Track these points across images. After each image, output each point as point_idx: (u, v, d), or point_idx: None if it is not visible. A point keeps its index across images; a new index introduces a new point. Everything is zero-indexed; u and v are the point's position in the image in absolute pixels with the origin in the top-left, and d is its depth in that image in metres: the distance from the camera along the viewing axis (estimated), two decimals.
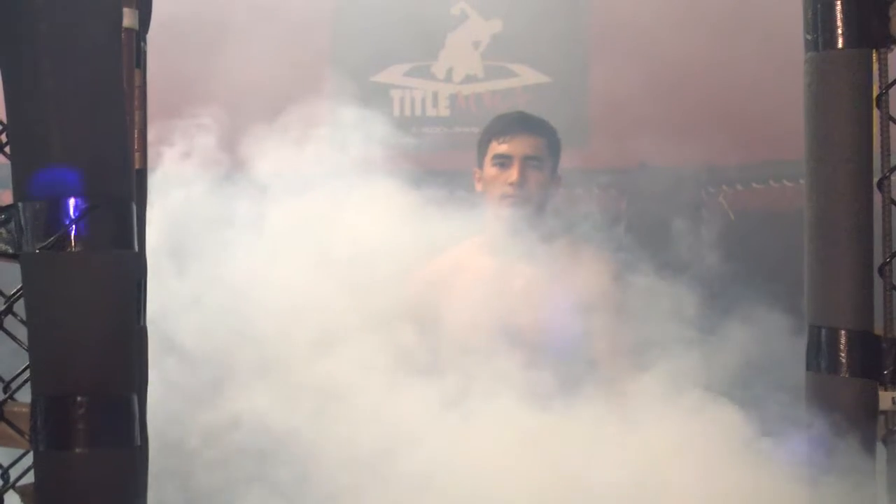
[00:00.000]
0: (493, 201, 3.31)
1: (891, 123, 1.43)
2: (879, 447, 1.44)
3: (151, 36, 1.40)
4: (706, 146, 4.25)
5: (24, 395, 1.29)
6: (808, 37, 1.45)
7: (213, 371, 2.44)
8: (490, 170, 3.33)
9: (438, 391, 2.34)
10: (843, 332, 1.42)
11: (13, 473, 1.31)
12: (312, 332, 2.47)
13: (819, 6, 1.43)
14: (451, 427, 2.21)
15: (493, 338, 3.10)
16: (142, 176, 1.35)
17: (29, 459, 1.28)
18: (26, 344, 1.27)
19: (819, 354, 1.45)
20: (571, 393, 2.41)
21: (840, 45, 1.43)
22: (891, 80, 1.44)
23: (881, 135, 1.43)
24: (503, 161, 3.30)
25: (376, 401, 2.33)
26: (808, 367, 1.46)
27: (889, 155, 1.43)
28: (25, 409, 1.27)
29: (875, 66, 1.43)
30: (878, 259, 1.43)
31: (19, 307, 1.30)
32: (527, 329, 3.18)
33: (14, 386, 1.31)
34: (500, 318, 3.19)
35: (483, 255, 3.42)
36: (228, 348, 2.47)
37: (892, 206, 1.43)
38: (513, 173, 3.28)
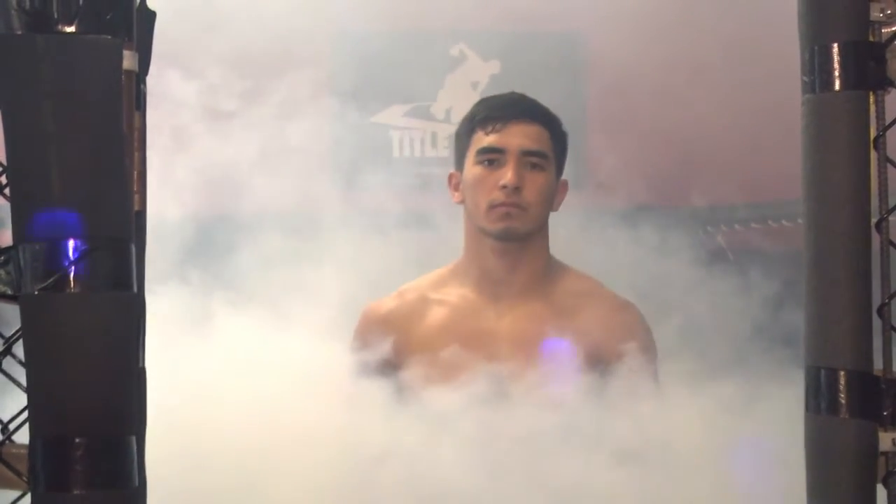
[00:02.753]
0: (476, 214, 2.51)
1: (888, 165, 1.44)
2: (880, 489, 1.43)
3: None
4: (705, 186, 4.27)
5: (23, 437, 1.29)
6: (806, 79, 1.46)
7: None
8: (473, 170, 2.51)
9: None
10: (842, 372, 1.42)
11: None
12: None
13: (816, 48, 1.44)
14: None
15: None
16: (141, 217, 1.35)
17: (27, 501, 1.28)
18: (25, 385, 1.27)
19: (818, 395, 1.45)
20: None
21: (837, 86, 1.43)
22: (888, 121, 1.44)
23: (878, 176, 1.43)
24: (492, 157, 2.50)
25: None
26: (807, 408, 1.46)
27: (887, 196, 1.44)
28: (24, 451, 1.27)
29: (872, 108, 1.44)
30: (876, 300, 1.43)
31: (18, 349, 1.30)
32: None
33: (12, 427, 1.31)
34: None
35: (450, 294, 2.59)
36: None
37: (891, 247, 1.44)
38: (506, 173, 2.46)
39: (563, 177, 2.62)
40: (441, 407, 2.28)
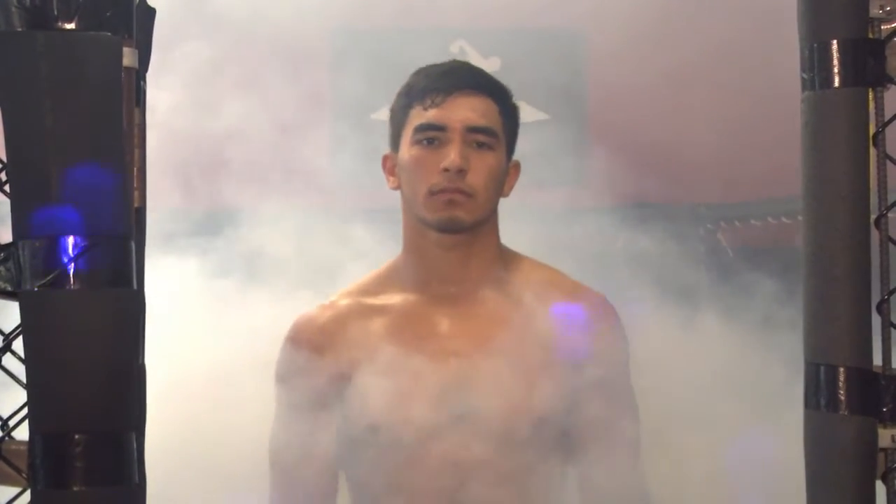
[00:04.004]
0: (415, 202, 2.15)
1: (887, 161, 1.44)
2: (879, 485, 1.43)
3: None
4: (705, 183, 4.27)
5: (23, 434, 1.29)
6: (805, 76, 1.46)
7: None
8: (411, 150, 2.15)
9: None
10: (841, 369, 1.41)
11: None
12: None
13: (815, 45, 1.44)
14: None
15: None
16: (141, 214, 1.35)
17: (26, 498, 1.28)
18: (24, 382, 1.27)
19: (818, 392, 1.44)
20: None
21: (836, 83, 1.43)
22: (887, 118, 1.44)
23: (878, 173, 1.43)
24: (432, 136, 2.13)
25: None
26: (807, 405, 1.46)
27: (886, 193, 1.44)
28: (23, 448, 1.27)
29: (871, 105, 1.43)
30: (875, 296, 1.43)
31: (17, 345, 1.30)
32: None
33: (12, 423, 1.31)
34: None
35: (391, 298, 2.23)
36: None
37: (890, 244, 1.44)
38: (449, 154, 2.10)
39: (515, 159, 2.27)
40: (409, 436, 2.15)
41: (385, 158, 2.25)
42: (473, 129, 2.13)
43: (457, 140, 2.11)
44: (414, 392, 2.14)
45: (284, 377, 2.24)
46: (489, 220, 2.20)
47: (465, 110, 2.13)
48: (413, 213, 2.19)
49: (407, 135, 2.17)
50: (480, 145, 2.13)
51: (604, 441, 2.19)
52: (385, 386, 2.14)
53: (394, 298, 2.24)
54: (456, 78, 2.17)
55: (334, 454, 2.22)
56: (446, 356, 2.16)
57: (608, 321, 2.24)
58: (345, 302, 2.24)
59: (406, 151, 2.17)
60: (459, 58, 3.81)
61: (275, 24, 4.17)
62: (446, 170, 2.10)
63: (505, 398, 2.14)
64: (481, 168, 2.12)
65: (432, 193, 2.12)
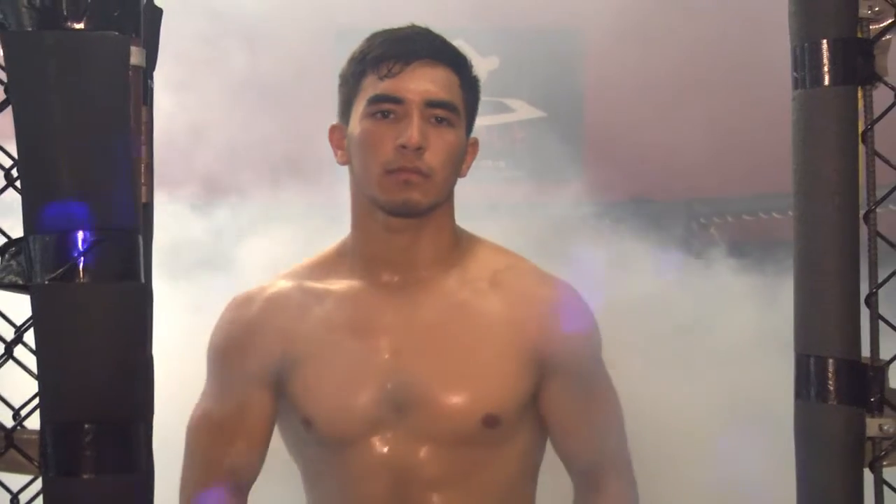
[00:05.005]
0: (367, 180, 1.95)
1: (876, 158, 1.45)
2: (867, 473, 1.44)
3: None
4: (698, 179, 4.28)
5: (34, 423, 1.30)
6: (796, 75, 1.47)
7: None
8: (363, 123, 1.94)
9: None
10: (831, 360, 1.43)
11: (22, 499, 1.32)
12: None
13: (806, 45, 1.45)
14: None
15: None
16: (148, 209, 1.36)
17: (38, 486, 1.29)
18: (36, 372, 1.28)
19: (808, 383, 1.46)
20: None
21: (826, 82, 1.44)
22: (876, 116, 1.45)
23: (867, 169, 1.44)
24: (388, 108, 1.92)
25: None
26: (797, 395, 1.47)
27: (874, 189, 1.45)
28: (35, 437, 1.28)
29: (861, 103, 1.45)
30: (864, 290, 1.44)
31: (28, 337, 1.31)
32: None
33: (24, 413, 1.32)
34: None
35: (335, 284, 2.03)
36: None
37: (878, 239, 1.45)
38: (406, 129, 1.89)
39: (474, 136, 2.06)
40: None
41: (332, 129, 2.03)
42: (433, 104, 1.92)
43: (415, 115, 1.90)
44: (349, 386, 1.96)
45: (217, 352, 2.07)
46: (445, 202, 1.99)
47: (425, 82, 1.92)
48: (363, 192, 1.97)
49: (359, 106, 1.95)
50: (440, 121, 1.93)
51: (581, 427, 2.04)
52: (320, 377, 1.97)
53: (338, 283, 2.04)
54: (415, 45, 1.94)
55: (260, 437, 2.04)
56: (386, 348, 1.97)
57: (573, 308, 2.04)
58: (285, 283, 2.05)
59: (357, 124, 1.94)
60: None
61: (279, 24, 4.19)
62: (403, 147, 1.89)
63: (447, 395, 1.94)
64: (440, 146, 1.91)
65: (388, 172, 1.90)
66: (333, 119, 2.09)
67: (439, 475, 1.97)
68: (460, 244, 2.06)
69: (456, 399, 1.94)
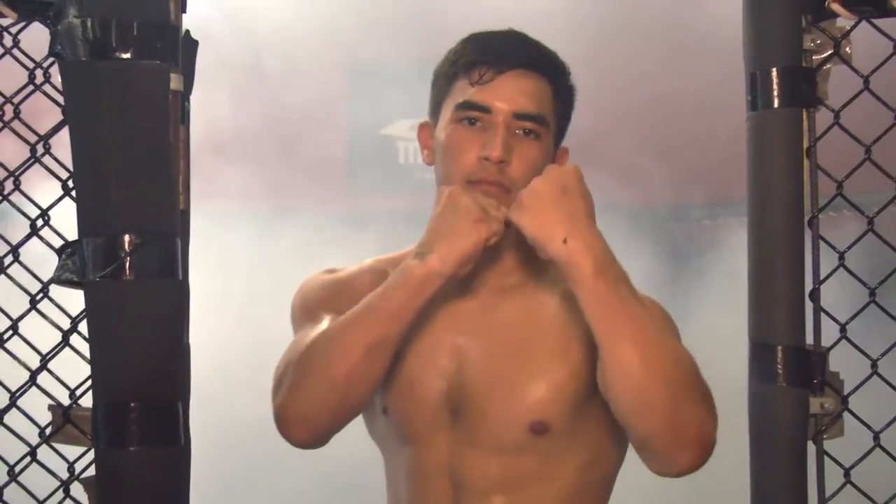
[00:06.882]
0: (448, 185, 1.70)
1: (818, 171, 1.47)
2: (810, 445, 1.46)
3: None
4: (665, 187, 4.29)
5: (87, 402, 1.32)
6: (749, 98, 1.50)
7: None
8: (449, 128, 1.73)
9: None
10: (779, 347, 1.46)
11: (77, 467, 1.34)
12: None
13: (758, 73, 1.49)
14: None
15: None
16: (185, 216, 1.40)
17: (90, 456, 1.32)
18: (89, 358, 1.30)
19: (760, 366, 1.49)
20: None
21: (776, 105, 1.48)
22: (818, 134, 1.48)
23: (811, 181, 1.47)
24: (475, 116, 1.70)
25: None
26: (751, 378, 1.50)
27: (817, 198, 1.49)
28: (87, 413, 1.32)
29: (805, 123, 1.47)
30: (808, 285, 1.47)
31: (82, 327, 1.33)
32: None
33: (78, 393, 1.34)
34: None
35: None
36: None
37: (820, 241, 1.47)
38: (491, 140, 1.68)
39: (563, 146, 1.81)
40: None
41: (421, 127, 1.82)
42: (521, 116, 1.70)
43: (501, 126, 1.68)
44: (417, 383, 1.75)
45: (303, 305, 1.82)
46: None
47: (515, 93, 1.70)
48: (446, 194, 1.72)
49: (448, 109, 1.74)
50: (527, 133, 1.70)
51: None
52: (395, 368, 1.73)
53: None
54: (509, 52, 1.71)
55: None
56: (451, 349, 1.75)
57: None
58: (370, 264, 1.85)
59: (444, 128, 1.74)
60: None
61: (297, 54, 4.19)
62: (486, 159, 1.68)
63: (493, 401, 1.72)
64: (524, 159, 1.69)
65: (468, 182, 1.69)
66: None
67: (492, 484, 1.73)
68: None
69: (501, 405, 1.71)
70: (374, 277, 1.76)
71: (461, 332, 1.75)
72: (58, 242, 1.35)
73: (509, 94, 1.69)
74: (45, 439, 1.35)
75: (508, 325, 1.75)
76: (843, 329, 1.50)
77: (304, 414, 1.65)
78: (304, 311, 1.80)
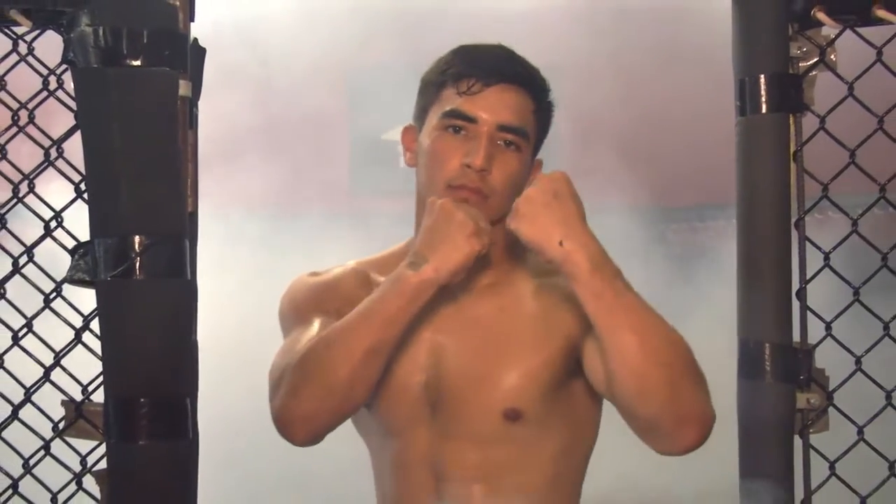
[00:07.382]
0: (429, 190, 1.75)
1: (804, 175, 1.47)
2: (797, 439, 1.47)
3: None
4: (655, 189, 4.28)
5: (99, 397, 1.33)
6: (738, 103, 1.51)
7: None
8: (434, 134, 1.76)
9: None
10: (767, 344, 1.47)
11: (90, 461, 1.35)
12: None
13: (747, 79, 1.49)
14: None
15: None
16: (193, 217, 1.40)
17: (102, 449, 1.32)
18: (101, 354, 1.31)
19: (748, 363, 1.49)
20: None
21: (764, 110, 1.49)
22: (805, 139, 1.48)
23: (797, 184, 1.48)
24: (460, 125, 1.73)
25: None
26: (739, 375, 1.50)
27: (804, 200, 1.50)
28: (99, 408, 1.33)
29: (792, 128, 1.48)
30: (795, 285, 1.47)
31: (94, 325, 1.34)
32: None
33: (90, 389, 1.34)
34: None
35: None
36: None
37: (806, 242, 1.47)
38: (473, 149, 1.72)
39: (539, 158, 1.85)
40: None
41: (406, 130, 1.84)
42: (504, 128, 1.74)
43: (485, 136, 1.72)
44: (396, 377, 1.76)
45: (294, 302, 1.85)
46: (502, 219, 1.74)
47: (500, 105, 1.73)
48: (425, 198, 1.77)
49: (434, 115, 1.77)
50: (508, 144, 1.74)
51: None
52: None
53: None
54: (497, 66, 1.75)
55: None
56: (429, 345, 1.77)
57: None
58: (353, 267, 1.87)
59: (429, 133, 1.77)
60: None
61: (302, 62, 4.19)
62: (468, 166, 1.71)
63: (468, 392, 1.74)
64: (504, 169, 1.73)
65: (449, 187, 1.73)
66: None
67: (471, 474, 1.75)
68: (515, 251, 1.82)
69: (476, 396, 1.74)
70: (359, 279, 1.83)
71: (439, 330, 1.78)
72: (70, 243, 1.36)
73: (495, 106, 1.73)
74: (59, 433, 1.36)
75: (484, 322, 1.79)
76: (828, 327, 1.51)
77: (305, 415, 1.69)
78: (294, 314, 1.83)
